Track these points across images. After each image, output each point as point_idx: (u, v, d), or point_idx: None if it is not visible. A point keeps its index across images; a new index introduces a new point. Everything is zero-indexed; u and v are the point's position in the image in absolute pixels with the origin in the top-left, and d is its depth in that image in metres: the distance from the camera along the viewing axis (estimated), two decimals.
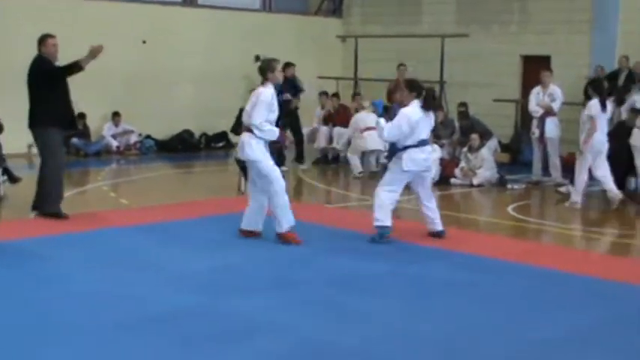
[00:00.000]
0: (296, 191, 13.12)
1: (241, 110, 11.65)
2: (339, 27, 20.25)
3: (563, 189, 12.16)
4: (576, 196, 11.26)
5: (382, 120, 8.65)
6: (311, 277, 7.22)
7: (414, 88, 8.65)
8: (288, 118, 14.35)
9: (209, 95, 17.56)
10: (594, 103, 11.14)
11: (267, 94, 8.29)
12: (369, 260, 7.86)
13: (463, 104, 14.64)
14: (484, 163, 13.19)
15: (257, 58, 8.47)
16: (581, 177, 11.23)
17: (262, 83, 8.39)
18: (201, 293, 6.61)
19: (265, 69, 8.38)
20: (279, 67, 8.50)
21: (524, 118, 15.41)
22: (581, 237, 9.70)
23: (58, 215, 9.29)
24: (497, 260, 8.01)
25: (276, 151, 10.18)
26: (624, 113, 12.99)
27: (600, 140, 11.17)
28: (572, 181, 11.76)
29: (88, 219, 9.44)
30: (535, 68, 15.85)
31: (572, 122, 13.90)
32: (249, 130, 8.34)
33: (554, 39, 16.03)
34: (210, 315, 6.06)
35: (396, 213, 8.99)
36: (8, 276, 6.96)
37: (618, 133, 12.11)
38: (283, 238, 8.36)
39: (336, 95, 16.84)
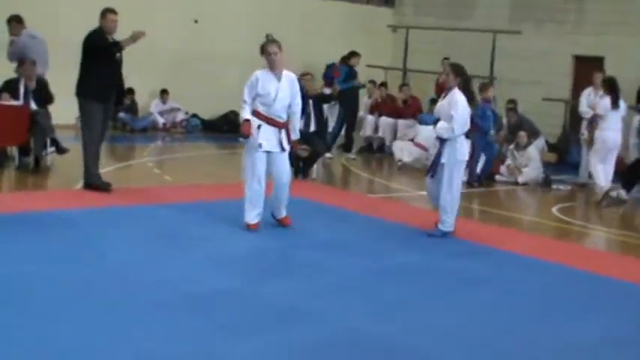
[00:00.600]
0: (341, 180, 13.11)
1: None
2: (390, 16, 20.13)
3: (613, 193, 11.97)
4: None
5: (441, 122, 8.31)
6: (347, 264, 7.15)
7: (460, 73, 8.44)
8: (345, 105, 14.47)
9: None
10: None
11: (252, 75, 8.12)
12: (407, 251, 7.79)
13: (512, 101, 14.47)
14: (530, 161, 13.04)
15: (267, 36, 8.20)
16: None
17: None
18: (240, 276, 6.61)
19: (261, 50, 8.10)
20: (274, 49, 7.95)
21: (574, 118, 15.20)
22: (624, 242, 9.52)
23: (98, 187, 9.36)
24: (538, 260, 7.89)
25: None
26: None
27: (610, 137, 12.01)
28: (623, 185, 11.70)
29: (132, 194, 9.49)
30: (587, 69, 15.60)
31: (625, 126, 13.71)
32: None
33: (609, 40, 15.75)
34: (246, 299, 6.04)
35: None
36: (48, 247, 6.97)
37: None
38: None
39: (384, 85, 16.78)
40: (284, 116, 8.07)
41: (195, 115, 17.19)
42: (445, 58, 15.45)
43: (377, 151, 15.68)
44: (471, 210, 11.01)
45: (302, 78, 12.16)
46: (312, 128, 11.87)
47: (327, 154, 14.04)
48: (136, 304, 5.67)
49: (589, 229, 10.09)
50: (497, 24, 17.20)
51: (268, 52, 7.97)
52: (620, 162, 13.92)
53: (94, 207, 8.67)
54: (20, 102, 10.83)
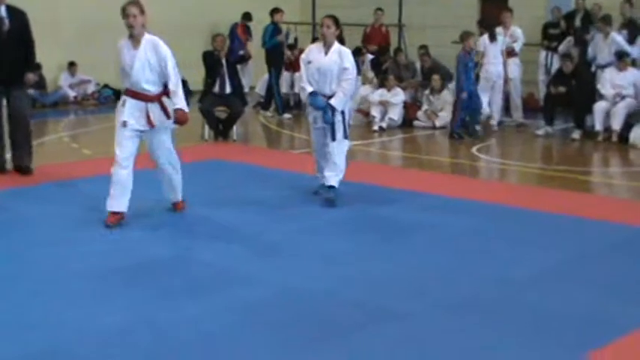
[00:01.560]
0: (262, 137, 13.06)
1: None
2: None
3: (540, 131, 12.35)
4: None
5: (336, 96, 7.79)
6: (278, 226, 7.12)
7: (338, 24, 8.00)
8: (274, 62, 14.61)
9: (168, 45, 17.18)
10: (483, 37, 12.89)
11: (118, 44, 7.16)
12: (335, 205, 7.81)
13: (423, 47, 14.56)
14: (446, 105, 13.19)
15: None
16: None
17: None
18: (171, 244, 6.59)
19: None
20: (133, 11, 6.82)
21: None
22: (544, 175, 9.76)
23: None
24: (463, 200, 8.04)
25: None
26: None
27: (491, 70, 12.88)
28: (546, 121, 12.44)
29: (52, 171, 9.28)
30: (493, 10, 15.86)
31: (530, 63, 14.01)
32: None
33: None
34: (181, 265, 6.03)
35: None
36: None
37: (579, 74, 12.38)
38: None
39: (294, 45, 16.71)
40: (152, 88, 6.98)
41: (106, 86, 16.82)
42: (378, 9, 15.68)
43: (294, 108, 15.65)
44: (391, 157, 11.15)
45: (215, 39, 12.06)
46: (228, 90, 11.78)
47: (286, 115, 14.21)
48: (67, 275, 5.65)
49: (509, 166, 10.31)
50: None
51: (126, 14, 6.92)
52: (531, 98, 14.27)
53: (16, 187, 8.49)
54: None
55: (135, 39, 6.96)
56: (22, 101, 9.14)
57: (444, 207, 7.81)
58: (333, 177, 7.81)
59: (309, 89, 7.79)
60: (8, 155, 9.27)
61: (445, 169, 10.16)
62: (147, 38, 6.98)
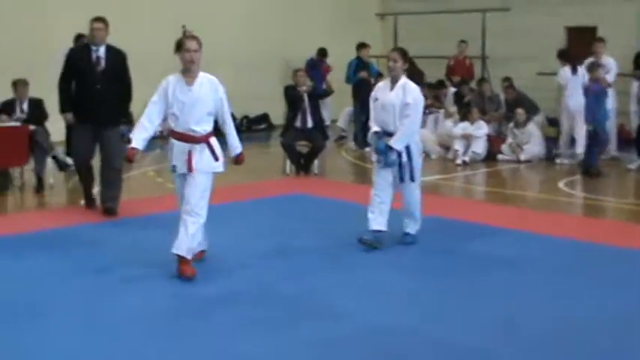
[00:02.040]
0: (343, 171, 13.04)
1: None
2: (376, 4, 20.02)
3: (632, 166, 12.04)
4: None
5: (396, 136, 7.35)
6: (359, 260, 7.09)
7: (407, 57, 7.58)
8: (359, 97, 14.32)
9: (249, 79, 17.44)
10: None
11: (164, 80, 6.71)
12: (424, 240, 7.64)
13: (507, 79, 14.41)
14: (531, 138, 12.99)
15: (183, 27, 7.04)
16: None
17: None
18: (256, 277, 6.58)
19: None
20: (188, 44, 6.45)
21: None
22: (635, 211, 9.45)
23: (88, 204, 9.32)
24: (549, 237, 7.84)
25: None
26: None
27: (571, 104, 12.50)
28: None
29: (135, 206, 9.43)
30: (581, 39, 15.60)
31: (621, 94, 13.67)
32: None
33: (599, 9, 15.69)
34: (264, 298, 6.02)
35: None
36: (52, 263, 6.97)
37: None
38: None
39: (380, 75, 16.71)
40: (200, 129, 6.50)
41: None
42: (462, 41, 15.64)
43: None
44: (475, 191, 11.00)
45: (296, 74, 12.14)
46: (310, 124, 11.82)
47: (368, 149, 13.33)
48: (155, 311, 5.66)
49: (600, 201, 10.04)
50: (486, 3, 17.11)
51: (186, 49, 6.54)
52: (622, 130, 13.92)
53: (98, 223, 8.62)
54: (18, 122, 10.78)
55: (190, 75, 6.56)
56: (115, 143, 9.09)
57: (528, 243, 7.64)
58: (411, 224, 7.57)
59: (374, 129, 7.47)
60: (96, 189, 9.41)
61: (531, 204, 9.95)
62: (202, 75, 6.60)
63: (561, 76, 12.82)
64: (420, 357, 4.90)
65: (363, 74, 14.65)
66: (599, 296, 6.03)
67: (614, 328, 5.40)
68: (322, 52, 16.73)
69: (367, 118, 9.37)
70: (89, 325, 5.46)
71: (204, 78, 6.59)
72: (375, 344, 5.09)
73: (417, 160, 7.47)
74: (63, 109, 9.05)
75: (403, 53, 7.47)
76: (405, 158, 7.34)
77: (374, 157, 7.60)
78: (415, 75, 7.59)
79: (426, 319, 5.55)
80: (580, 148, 12.40)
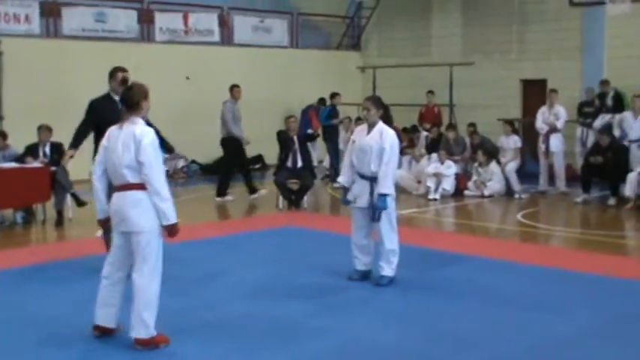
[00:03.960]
0: (329, 206, 13.10)
1: None
2: (358, 59, 20.25)
3: (579, 199, 12.17)
4: None
5: (382, 182, 6.94)
6: (344, 285, 7.09)
7: (381, 105, 7.18)
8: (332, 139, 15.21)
9: (246, 123, 17.53)
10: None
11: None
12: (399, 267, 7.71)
13: (472, 124, 14.55)
14: (493, 176, 13.11)
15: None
16: None
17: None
18: (253, 299, 6.60)
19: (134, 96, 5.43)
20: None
21: (526, 134, 15.34)
22: (587, 240, 9.56)
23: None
24: (511, 263, 7.92)
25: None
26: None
27: None
28: (583, 189, 12.18)
29: None
30: (533, 90, 15.87)
31: (568, 137, 13.87)
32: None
33: (548, 64, 15.97)
34: (261, 320, 6.03)
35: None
36: (76, 289, 6.94)
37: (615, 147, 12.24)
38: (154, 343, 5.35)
39: (359, 119, 16.86)
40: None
41: (194, 161, 17.17)
42: (429, 92, 15.99)
43: None
44: (445, 223, 11.08)
45: (287, 120, 12.25)
46: (300, 164, 11.91)
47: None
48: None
49: (552, 231, 10.14)
50: (452, 58, 17.35)
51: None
52: (568, 169, 14.07)
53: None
54: (41, 164, 10.83)
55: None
56: None
57: (493, 269, 7.70)
58: (386, 267, 7.05)
59: (343, 182, 7.19)
60: None
61: (494, 234, 10.03)
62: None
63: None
64: None
65: (336, 121, 15.19)
66: (558, 315, 6.08)
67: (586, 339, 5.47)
68: (321, 101, 16.85)
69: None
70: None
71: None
72: (359, 357, 5.13)
73: (390, 202, 7.02)
74: (71, 146, 8.13)
75: (375, 100, 7.13)
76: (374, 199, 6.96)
77: (350, 196, 7.17)
78: (387, 120, 7.33)
79: (404, 336, 5.59)
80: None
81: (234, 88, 13.46)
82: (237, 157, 13.03)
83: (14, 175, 10.37)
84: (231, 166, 13.10)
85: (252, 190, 12.98)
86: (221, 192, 12.89)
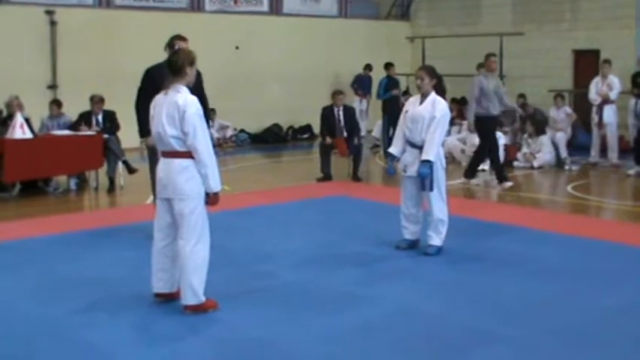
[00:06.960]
0: (379, 176, 13.03)
1: None
2: (407, 29, 20.01)
3: (631, 172, 11.90)
4: None
5: (426, 147, 6.95)
6: (393, 255, 7.06)
7: (434, 74, 7.15)
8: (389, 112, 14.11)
9: (294, 93, 17.58)
10: None
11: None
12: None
13: (522, 95, 14.32)
14: (543, 147, 12.89)
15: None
16: None
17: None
18: (302, 268, 6.60)
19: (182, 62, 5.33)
20: None
21: (577, 105, 15.03)
22: (638, 213, 9.33)
23: None
24: (560, 234, 7.78)
25: None
26: None
27: None
28: (637, 162, 11.95)
29: None
30: (585, 61, 15.49)
31: (621, 109, 13.54)
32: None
33: (602, 34, 15.55)
34: (310, 288, 6.04)
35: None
36: (134, 255, 7.04)
37: None
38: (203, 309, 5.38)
39: (407, 91, 16.71)
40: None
41: (242, 130, 17.22)
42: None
43: None
44: (493, 194, 10.92)
45: (336, 97, 11.97)
46: (344, 135, 11.73)
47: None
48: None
49: (602, 203, 9.94)
50: (503, 28, 17.02)
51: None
52: (621, 141, 13.76)
53: None
54: (94, 132, 10.97)
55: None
56: None
57: (541, 240, 7.59)
58: (434, 237, 7.04)
59: (394, 152, 7.16)
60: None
61: (543, 206, 9.86)
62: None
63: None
64: (447, 340, 4.92)
65: (395, 92, 14.61)
66: (607, 287, 5.98)
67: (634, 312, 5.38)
68: (368, 67, 17.04)
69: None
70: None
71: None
72: (406, 327, 5.13)
73: (440, 172, 7.01)
74: (142, 134, 7.41)
75: (430, 70, 7.08)
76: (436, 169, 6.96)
77: (401, 165, 7.18)
78: (440, 91, 7.26)
79: (451, 305, 5.56)
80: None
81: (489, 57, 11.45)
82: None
83: (68, 142, 10.55)
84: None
85: (502, 179, 11.22)
86: (500, 178, 11.21)
